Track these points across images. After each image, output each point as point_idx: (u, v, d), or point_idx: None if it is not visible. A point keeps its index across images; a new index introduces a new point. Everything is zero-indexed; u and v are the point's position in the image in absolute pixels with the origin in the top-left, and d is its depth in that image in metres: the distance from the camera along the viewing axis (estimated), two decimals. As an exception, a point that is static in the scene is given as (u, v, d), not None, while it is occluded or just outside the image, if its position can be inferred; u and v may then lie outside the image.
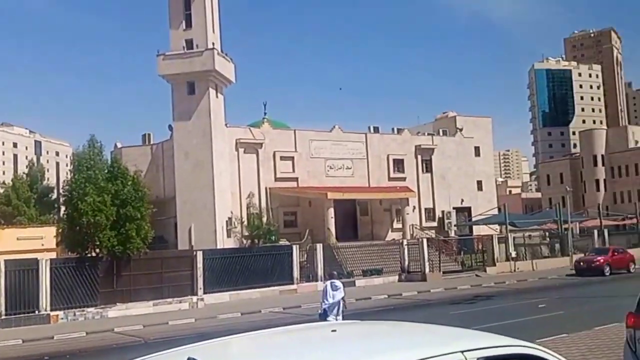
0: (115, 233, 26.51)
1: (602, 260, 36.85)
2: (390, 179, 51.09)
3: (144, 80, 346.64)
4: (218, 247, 37.27)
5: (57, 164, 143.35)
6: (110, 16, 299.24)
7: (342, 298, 16.70)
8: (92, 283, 26.87)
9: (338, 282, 17.17)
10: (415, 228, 49.62)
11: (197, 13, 41.03)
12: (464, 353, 2.77)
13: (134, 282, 27.74)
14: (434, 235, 46.68)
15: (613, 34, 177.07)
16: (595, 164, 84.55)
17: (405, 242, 39.76)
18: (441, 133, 57.08)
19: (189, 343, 3.50)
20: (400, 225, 49.34)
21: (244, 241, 40.74)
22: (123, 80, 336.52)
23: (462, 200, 54.63)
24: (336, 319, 15.57)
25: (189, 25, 41.12)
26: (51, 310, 25.42)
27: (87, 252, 27.45)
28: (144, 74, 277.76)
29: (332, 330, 3.23)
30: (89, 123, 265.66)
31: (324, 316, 16.13)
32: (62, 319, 25.34)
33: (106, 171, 27.83)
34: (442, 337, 3.21)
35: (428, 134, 56.59)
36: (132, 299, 27.38)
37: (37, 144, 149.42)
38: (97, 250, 27.49)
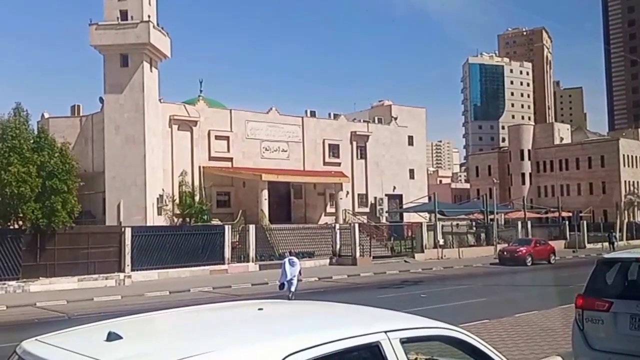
0: (40, 205, 25.75)
1: (524, 251, 38.22)
2: (325, 163, 51.41)
3: (75, 49, 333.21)
4: (148, 224, 36.61)
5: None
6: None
7: (299, 271, 20.21)
8: (14, 256, 26.11)
9: (295, 259, 20.44)
10: (348, 213, 50.19)
11: (133, -17, 39.74)
12: (387, 333, 2.84)
13: (58, 256, 27.07)
14: (365, 221, 47.40)
15: (544, 34, 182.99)
16: (522, 158, 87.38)
17: (337, 226, 40.16)
18: (376, 121, 57.73)
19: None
20: (333, 210, 49.76)
21: (175, 219, 40.19)
22: (52, 47, 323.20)
23: (394, 188, 55.59)
24: (293, 289, 19.40)
25: (124, -5, 39.80)
26: (-31, 283, 24.46)
27: (9, 224, 26.61)
28: (74, 42, 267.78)
29: (259, 309, 3.24)
30: (14, 90, 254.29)
31: (282, 287, 19.44)
32: (-20, 292, 24.41)
33: (32, 141, 26.91)
34: (366, 317, 3.29)
35: (364, 121, 57.13)
36: (56, 273, 26.74)
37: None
38: (21, 222, 26.72)
